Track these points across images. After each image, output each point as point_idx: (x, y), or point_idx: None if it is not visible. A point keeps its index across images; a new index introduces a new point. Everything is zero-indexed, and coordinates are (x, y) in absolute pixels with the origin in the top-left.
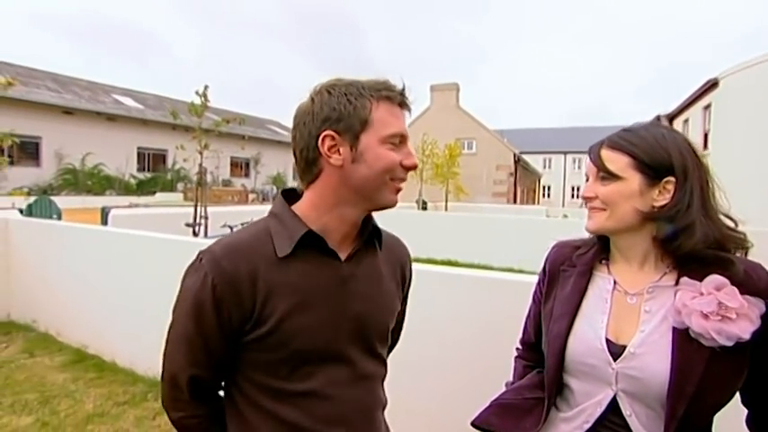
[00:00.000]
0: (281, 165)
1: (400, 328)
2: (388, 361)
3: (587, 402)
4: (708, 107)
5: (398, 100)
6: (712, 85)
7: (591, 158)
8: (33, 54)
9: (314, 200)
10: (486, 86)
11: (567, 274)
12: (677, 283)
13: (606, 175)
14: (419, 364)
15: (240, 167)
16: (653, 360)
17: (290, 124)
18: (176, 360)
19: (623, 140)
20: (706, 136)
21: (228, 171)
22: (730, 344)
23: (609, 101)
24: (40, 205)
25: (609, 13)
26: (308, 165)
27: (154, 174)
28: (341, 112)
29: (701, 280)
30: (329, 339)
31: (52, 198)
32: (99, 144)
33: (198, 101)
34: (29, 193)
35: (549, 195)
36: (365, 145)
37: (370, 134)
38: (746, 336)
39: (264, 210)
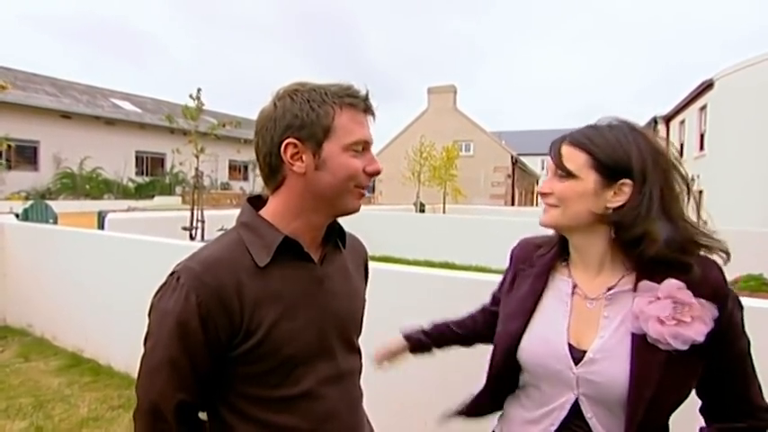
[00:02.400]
0: None
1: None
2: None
3: (552, 405)
4: (704, 108)
5: (362, 106)
6: (707, 86)
7: (551, 154)
8: (27, 56)
9: (280, 206)
10: (485, 87)
11: (525, 273)
12: (636, 286)
13: (563, 172)
14: (418, 365)
15: (239, 171)
16: (612, 365)
17: None
18: (158, 388)
19: (584, 138)
20: (702, 137)
21: (227, 174)
22: (686, 347)
23: (609, 102)
24: (36, 210)
25: (610, 12)
26: (272, 171)
27: (152, 177)
28: (303, 120)
29: (659, 283)
30: (316, 340)
31: (49, 202)
32: (97, 148)
33: (192, 104)
34: (27, 198)
35: None
36: (328, 153)
37: (333, 142)
38: (701, 338)
39: None
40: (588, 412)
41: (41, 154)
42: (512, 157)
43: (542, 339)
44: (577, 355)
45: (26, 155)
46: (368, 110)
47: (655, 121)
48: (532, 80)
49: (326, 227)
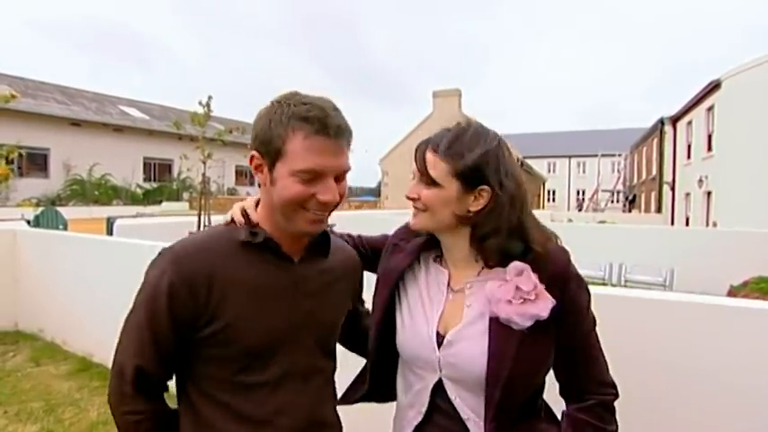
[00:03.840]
0: None
1: (361, 326)
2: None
3: (418, 386)
4: (711, 109)
5: (323, 132)
6: (715, 86)
7: (416, 159)
8: (34, 63)
9: (261, 210)
10: (491, 89)
11: (398, 248)
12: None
13: (428, 180)
14: None
15: (245, 176)
16: (468, 347)
17: None
18: (125, 349)
19: (447, 148)
20: (710, 138)
21: (233, 179)
22: (531, 323)
23: (616, 102)
24: (47, 216)
25: (618, 10)
26: (254, 175)
27: (160, 183)
28: (263, 136)
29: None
30: (284, 335)
31: (59, 209)
32: (106, 155)
33: (201, 111)
34: (38, 204)
35: (554, 200)
36: (278, 173)
37: (284, 164)
38: (545, 314)
39: None
40: (452, 393)
41: (51, 161)
42: (518, 160)
43: (414, 330)
44: (441, 341)
45: (36, 162)
46: (337, 135)
47: (661, 122)
48: (538, 81)
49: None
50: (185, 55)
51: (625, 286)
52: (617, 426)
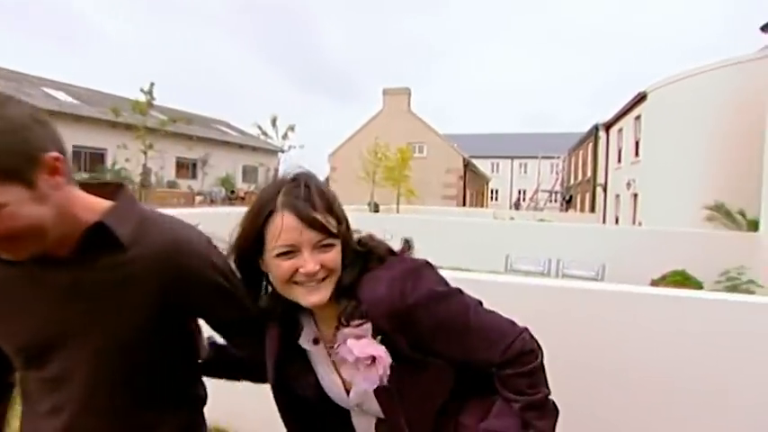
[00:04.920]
0: (230, 166)
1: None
2: None
3: (363, 426)
4: (638, 118)
5: None
6: (642, 98)
7: (305, 223)
8: None
9: None
10: (439, 89)
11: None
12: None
13: (328, 238)
14: None
15: (187, 168)
16: (373, 405)
17: (240, 124)
18: None
19: (326, 202)
20: (637, 144)
21: (174, 172)
22: (379, 383)
23: (559, 107)
24: None
25: (564, 21)
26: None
27: (91, 175)
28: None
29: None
30: (43, 340)
31: None
32: None
33: (143, 98)
34: None
35: (496, 199)
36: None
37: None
38: (387, 375)
39: (212, 212)
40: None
41: None
42: (464, 160)
43: (332, 392)
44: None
45: None
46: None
47: (596, 128)
48: (486, 84)
49: (86, 232)
50: (123, 38)
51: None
52: (540, 356)
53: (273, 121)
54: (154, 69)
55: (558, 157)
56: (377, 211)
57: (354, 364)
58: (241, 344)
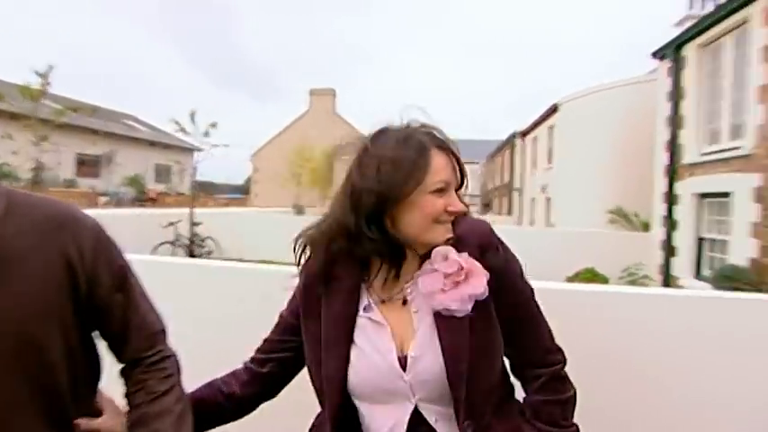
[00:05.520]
0: (141, 165)
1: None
2: None
3: (393, 422)
4: (552, 127)
5: None
6: (554, 109)
7: (459, 170)
8: None
9: None
10: (364, 91)
11: (331, 290)
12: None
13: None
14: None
15: (90, 166)
16: (431, 356)
17: (150, 119)
18: None
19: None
20: (550, 152)
21: (74, 170)
22: (471, 304)
23: (482, 114)
24: None
25: (488, 28)
26: None
27: None
28: None
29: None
30: None
31: None
32: None
33: (36, 82)
34: None
35: None
36: None
37: None
38: (482, 290)
39: (117, 213)
40: (432, 416)
41: None
42: None
43: (371, 366)
44: (403, 363)
45: None
46: None
47: (514, 135)
48: (411, 87)
49: None
50: (11, 21)
51: None
52: (573, 388)
53: (192, 117)
54: (51, 57)
55: (478, 163)
56: (301, 213)
57: (440, 289)
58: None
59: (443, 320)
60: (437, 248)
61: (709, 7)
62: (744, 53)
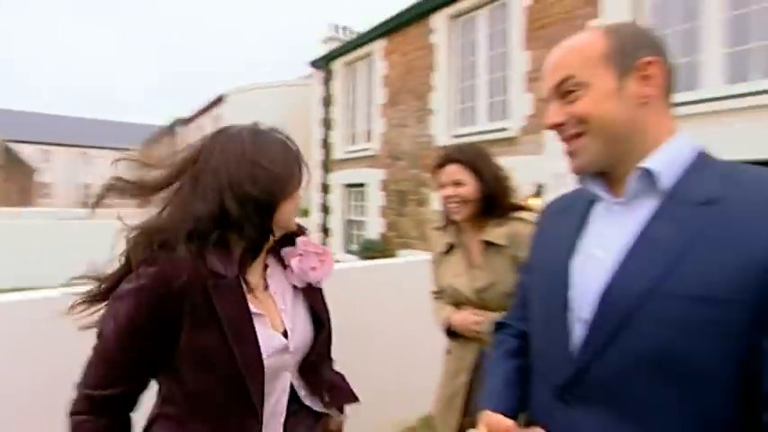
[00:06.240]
0: None
1: None
2: None
3: (273, 399)
4: (218, 117)
5: None
6: (220, 99)
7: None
8: None
9: None
10: None
11: (222, 285)
12: (279, 259)
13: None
14: None
15: None
16: (301, 324)
17: None
18: None
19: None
20: None
21: None
22: (325, 279)
23: (128, 94)
24: None
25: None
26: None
27: None
28: None
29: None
30: None
31: None
32: None
33: None
34: None
35: (50, 195)
36: None
37: None
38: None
39: None
40: (302, 390)
41: None
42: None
43: (266, 349)
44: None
45: None
46: None
47: (176, 123)
48: (23, 51)
49: None
50: None
51: None
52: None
53: None
54: None
55: (131, 149)
56: None
57: (312, 267)
58: None
59: (305, 292)
60: (299, 238)
61: (350, 35)
62: (371, 77)
